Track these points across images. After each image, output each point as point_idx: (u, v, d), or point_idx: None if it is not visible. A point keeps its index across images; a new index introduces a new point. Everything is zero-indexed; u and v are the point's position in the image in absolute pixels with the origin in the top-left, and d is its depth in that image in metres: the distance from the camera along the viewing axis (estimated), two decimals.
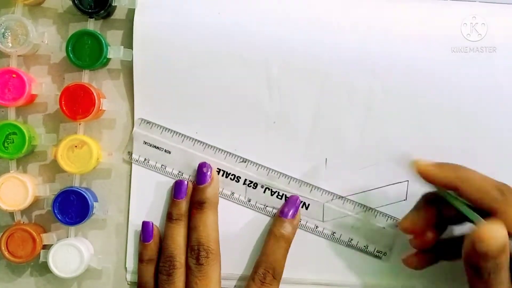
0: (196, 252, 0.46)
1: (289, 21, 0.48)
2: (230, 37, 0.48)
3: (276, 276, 0.47)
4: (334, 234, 0.49)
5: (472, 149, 0.47)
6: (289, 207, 0.48)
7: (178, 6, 0.48)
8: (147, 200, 0.49)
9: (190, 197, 0.48)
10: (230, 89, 0.49)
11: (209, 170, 0.48)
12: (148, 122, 0.49)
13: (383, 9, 0.48)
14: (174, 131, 0.49)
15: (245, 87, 0.49)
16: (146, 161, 0.49)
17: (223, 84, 0.49)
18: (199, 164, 0.48)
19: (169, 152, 0.49)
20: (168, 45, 0.48)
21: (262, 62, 0.49)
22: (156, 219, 0.49)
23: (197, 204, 0.47)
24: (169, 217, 0.48)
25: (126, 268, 0.50)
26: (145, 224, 0.49)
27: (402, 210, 0.47)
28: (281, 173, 0.49)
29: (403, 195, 0.49)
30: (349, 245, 0.49)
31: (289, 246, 0.48)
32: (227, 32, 0.48)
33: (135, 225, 0.49)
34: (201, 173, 0.48)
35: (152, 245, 0.48)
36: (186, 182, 0.48)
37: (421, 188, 0.47)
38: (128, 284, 0.50)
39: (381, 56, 0.48)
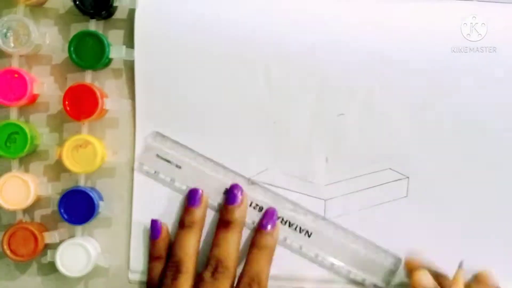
0: (214, 267, 0.46)
1: (288, 21, 0.49)
2: (230, 36, 0.49)
3: (262, 287, 0.47)
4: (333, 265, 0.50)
5: (472, 148, 0.48)
6: (267, 219, 0.49)
7: (179, 6, 0.49)
8: (150, 199, 0.50)
9: (219, 216, 0.49)
10: (230, 88, 0.49)
11: (240, 192, 0.49)
12: (163, 136, 0.49)
13: (383, 9, 0.48)
14: (187, 147, 0.49)
15: (245, 87, 0.49)
16: (156, 174, 0.50)
17: (223, 83, 0.49)
18: (231, 185, 0.49)
19: (180, 167, 0.49)
20: (169, 44, 0.49)
21: (262, 62, 0.49)
22: (160, 218, 0.49)
23: (224, 223, 0.48)
24: (181, 224, 0.49)
25: (129, 268, 0.50)
26: (153, 222, 0.49)
27: (402, 207, 0.48)
28: (285, 198, 0.50)
29: (404, 191, 0.49)
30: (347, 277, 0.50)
31: (272, 257, 0.48)
32: (228, 32, 0.49)
33: (139, 224, 0.50)
34: (231, 193, 0.49)
35: (160, 243, 0.48)
36: (200, 190, 0.49)
37: (422, 185, 0.48)
38: (130, 283, 0.50)
39: (380, 56, 0.49)
